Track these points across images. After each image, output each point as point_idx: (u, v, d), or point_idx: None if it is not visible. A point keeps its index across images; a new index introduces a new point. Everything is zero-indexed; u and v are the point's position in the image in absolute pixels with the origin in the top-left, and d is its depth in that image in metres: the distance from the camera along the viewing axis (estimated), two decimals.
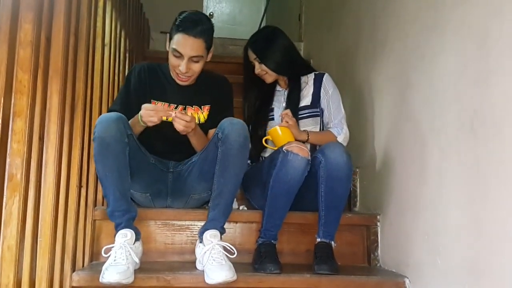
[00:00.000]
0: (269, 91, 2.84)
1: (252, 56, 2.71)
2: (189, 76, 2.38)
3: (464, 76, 1.79)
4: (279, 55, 2.69)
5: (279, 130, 2.47)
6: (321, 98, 2.72)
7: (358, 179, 2.90)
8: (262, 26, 7.49)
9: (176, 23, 2.32)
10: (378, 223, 2.54)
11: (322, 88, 2.73)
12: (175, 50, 2.30)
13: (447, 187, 1.88)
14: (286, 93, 2.79)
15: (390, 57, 2.50)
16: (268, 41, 2.72)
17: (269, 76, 2.71)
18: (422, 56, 2.13)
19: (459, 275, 1.78)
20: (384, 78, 2.58)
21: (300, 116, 2.65)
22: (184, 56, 2.30)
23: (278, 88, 2.85)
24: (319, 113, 2.72)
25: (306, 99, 2.72)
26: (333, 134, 2.64)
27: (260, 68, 2.70)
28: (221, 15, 8.32)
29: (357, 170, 2.90)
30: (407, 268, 2.18)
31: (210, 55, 2.43)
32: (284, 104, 2.75)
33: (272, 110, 2.77)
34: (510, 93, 1.52)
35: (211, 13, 8.22)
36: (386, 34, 2.57)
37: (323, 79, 2.75)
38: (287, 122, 2.50)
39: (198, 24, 2.30)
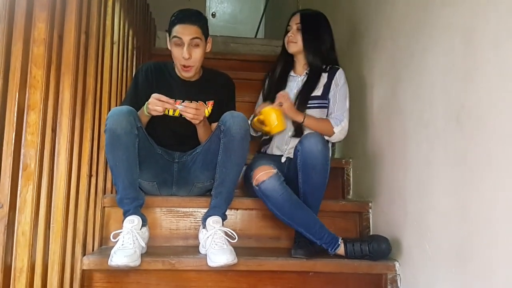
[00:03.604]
0: (283, 75, 2.76)
1: (295, 20, 2.68)
2: (191, 65, 2.38)
3: (452, 72, 1.78)
4: (319, 36, 2.67)
5: (268, 113, 2.39)
6: (331, 90, 2.62)
7: (351, 169, 2.90)
8: (261, 24, 7.50)
9: (172, 19, 2.37)
10: (370, 210, 2.54)
11: (333, 81, 2.63)
12: (175, 37, 2.33)
13: (435, 176, 1.88)
14: (301, 79, 2.69)
15: (381, 55, 2.50)
16: (319, 18, 2.70)
17: (295, 45, 2.66)
18: (411, 54, 2.13)
19: (446, 258, 1.79)
20: (376, 74, 2.57)
21: (309, 105, 2.58)
22: (184, 41, 2.32)
23: (292, 73, 2.76)
24: (327, 105, 2.63)
25: (318, 90, 2.63)
26: (330, 124, 2.54)
27: (293, 34, 2.65)
28: (223, 14, 8.29)
29: (350, 160, 2.91)
30: (397, 252, 2.18)
31: (209, 45, 2.44)
32: (295, 91, 2.66)
33: None
34: (495, 88, 1.52)
35: (214, 13, 8.20)
36: (378, 33, 2.56)
37: (337, 72, 2.65)
38: (281, 104, 2.44)
39: (192, 14, 2.36)
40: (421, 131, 2.00)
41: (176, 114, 2.36)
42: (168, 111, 2.32)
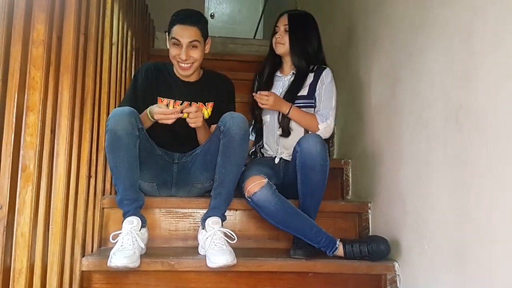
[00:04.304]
0: (270, 75, 2.77)
1: (283, 21, 2.67)
2: (190, 63, 2.39)
3: (450, 72, 1.78)
4: (306, 38, 2.67)
5: None
6: (317, 88, 2.64)
7: (350, 169, 2.90)
8: (260, 25, 7.49)
9: (172, 18, 2.38)
10: (369, 211, 2.54)
11: (319, 80, 2.64)
12: (173, 38, 2.34)
13: (434, 176, 1.88)
14: (288, 79, 2.71)
15: (380, 54, 2.50)
16: (307, 19, 2.71)
17: (283, 47, 2.67)
18: (410, 53, 2.13)
19: (445, 259, 1.79)
20: (375, 74, 2.57)
21: (295, 105, 2.58)
22: (182, 43, 2.33)
23: (278, 74, 2.78)
24: (313, 104, 2.64)
25: (303, 90, 2.64)
26: (316, 119, 2.55)
27: (281, 36, 2.66)
28: (221, 15, 8.30)
29: (349, 161, 2.91)
30: (396, 253, 2.19)
31: (208, 46, 2.46)
32: (281, 90, 2.68)
33: None
34: (493, 88, 1.52)
35: (212, 14, 8.20)
36: (377, 32, 2.56)
37: (323, 72, 2.65)
38: (263, 104, 2.50)
39: (192, 15, 2.37)
40: (420, 131, 2.00)
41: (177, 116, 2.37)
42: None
